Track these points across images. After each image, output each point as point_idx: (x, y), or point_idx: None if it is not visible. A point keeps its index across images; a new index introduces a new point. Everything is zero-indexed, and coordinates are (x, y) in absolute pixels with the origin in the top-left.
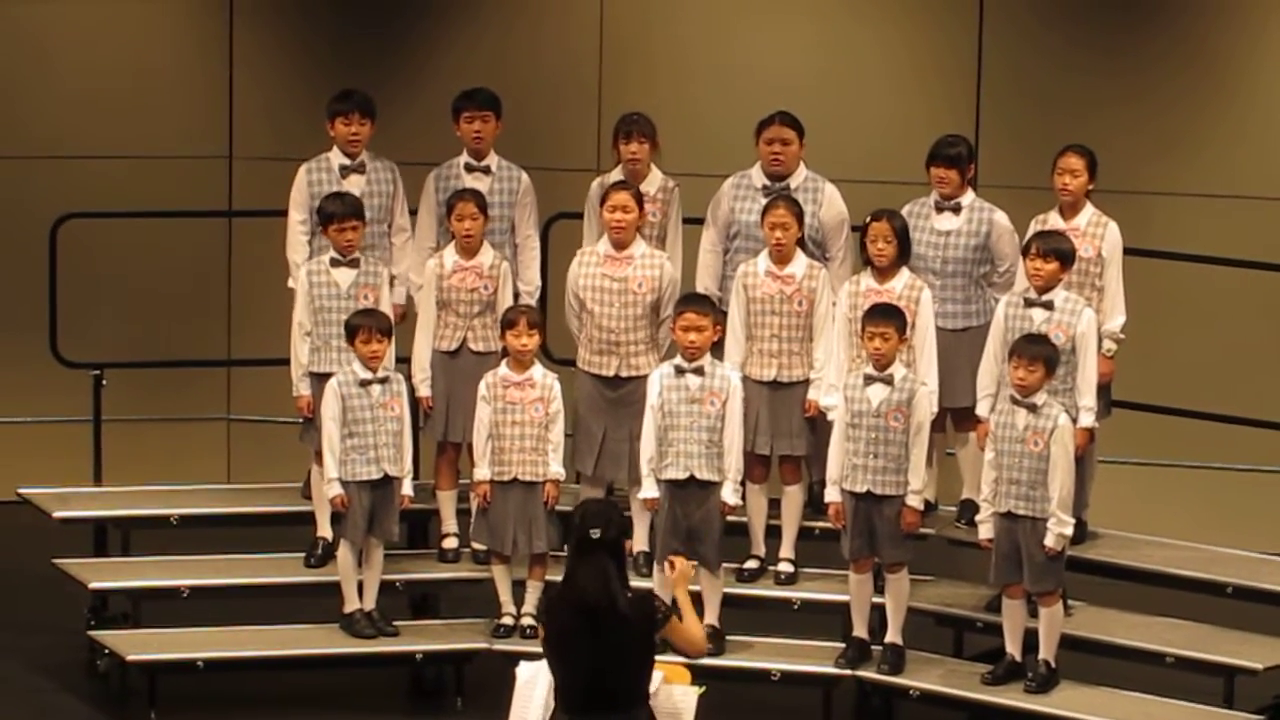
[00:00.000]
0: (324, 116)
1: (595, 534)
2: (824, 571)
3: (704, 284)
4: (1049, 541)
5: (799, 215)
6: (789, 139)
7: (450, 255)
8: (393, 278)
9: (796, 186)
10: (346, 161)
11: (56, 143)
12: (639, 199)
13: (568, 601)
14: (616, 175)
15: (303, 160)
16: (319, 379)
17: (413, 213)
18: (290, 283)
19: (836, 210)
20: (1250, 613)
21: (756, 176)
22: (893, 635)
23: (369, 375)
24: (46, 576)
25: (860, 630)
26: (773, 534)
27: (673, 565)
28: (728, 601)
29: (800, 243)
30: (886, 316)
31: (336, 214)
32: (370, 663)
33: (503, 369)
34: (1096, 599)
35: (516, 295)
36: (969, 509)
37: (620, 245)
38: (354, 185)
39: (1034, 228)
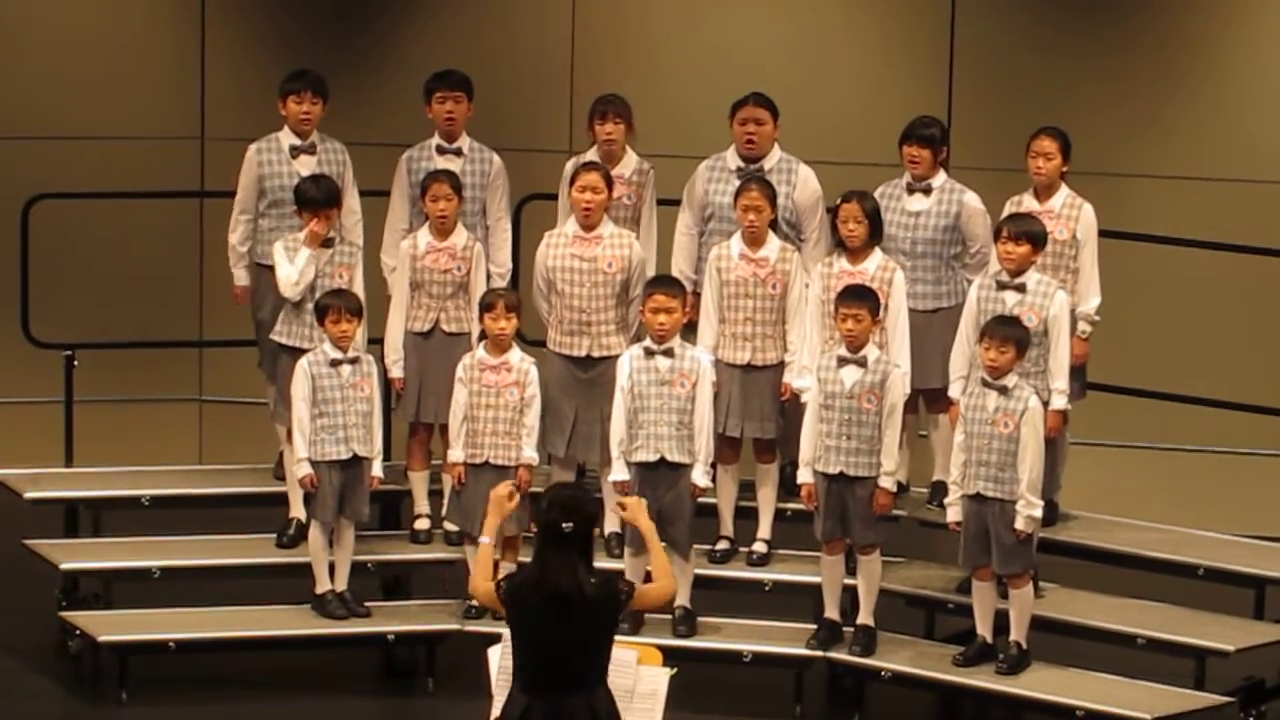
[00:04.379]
0: None
1: (567, 527)
2: (796, 553)
3: (679, 267)
4: (1018, 524)
5: (771, 197)
6: (763, 120)
7: (424, 236)
8: None
9: (771, 168)
10: (297, 141)
11: (28, 123)
12: (608, 179)
13: (538, 590)
14: (591, 156)
15: None
16: (289, 353)
17: (384, 194)
18: (231, 264)
19: (811, 191)
20: (1221, 594)
21: (731, 158)
22: (864, 617)
23: (339, 355)
24: (17, 557)
25: (832, 612)
26: (742, 515)
27: (624, 506)
28: (699, 583)
29: (774, 225)
30: (860, 298)
31: (316, 200)
32: (342, 643)
33: (480, 352)
34: (1068, 580)
35: (489, 277)
36: (941, 490)
37: (589, 226)
38: (305, 166)
39: (1008, 210)
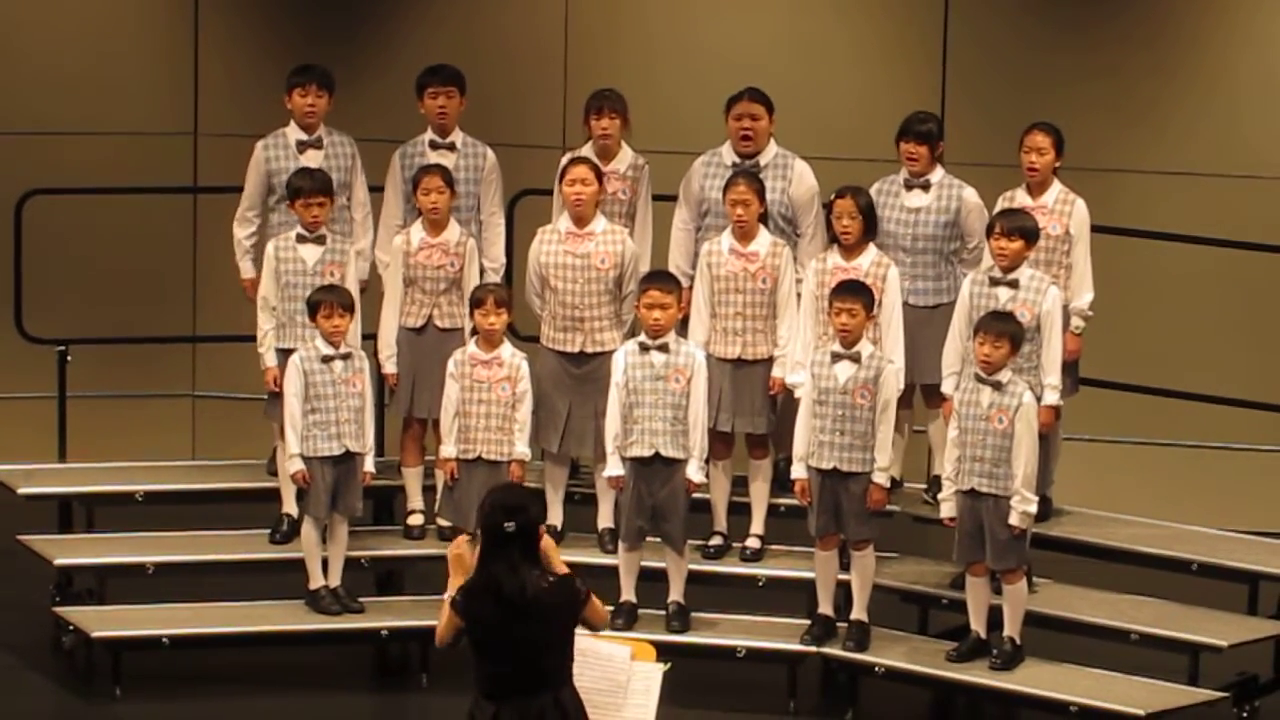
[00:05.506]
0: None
1: (509, 527)
2: (789, 548)
3: (676, 262)
4: (1013, 519)
5: (760, 191)
6: (758, 115)
7: (417, 232)
8: (357, 253)
9: (766, 163)
10: (303, 136)
11: (21, 119)
12: (598, 173)
13: (484, 594)
14: (587, 151)
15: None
16: (284, 355)
17: (378, 189)
18: (237, 257)
19: (807, 186)
20: (1215, 590)
21: (726, 154)
22: (858, 612)
23: (331, 351)
24: (11, 553)
25: (825, 607)
26: (735, 511)
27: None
28: (693, 579)
29: (764, 219)
30: (854, 292)
31: (304, 189)
32: (336, 639)
33: (471, 347)
34: (1061, 576)
35: (482, 272)
36: (940, 485)
37: (581, 221)
38: (311, 160)
39: (1001, 205)
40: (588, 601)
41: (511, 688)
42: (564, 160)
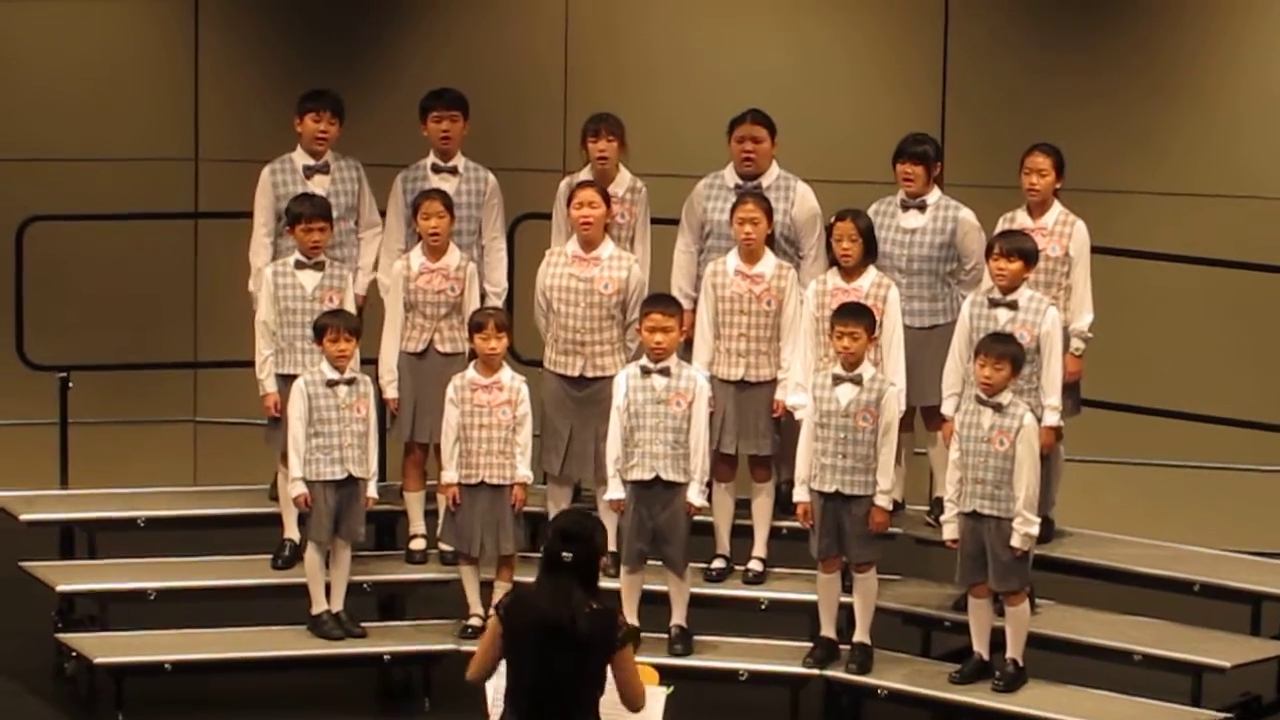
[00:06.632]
0: (290, 118)
1: (567, 557)
2: (792, 571)
3: (678, 285)
4: (1015, 541)
5: (768, 211)
6: (760, 137)
7: (417, 257)
8: (357, 269)
9: (769, 185)
10: (311, 162)
11: (22, 145)
12: (605, 196)
13: (528, 611)
14: (585, 175)
15: (268, 162)
16: (283, 380)
17: (380, 214)
18: (250, 286)
19: (809, 208)
20: (1217, 610)
21: (729, 176)
22: (860, 634)
23: (336, 376)
24: (13, 579)
25: (828, 630)
26: (738, 534)
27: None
28: (695, 602)
29: (770, 241)
30: (856, 316)
31: (304, 215)
32: (338, 664)
33: (471, 371)
34: (1064, 597)
35: (483, 297)
36: (941, 507)
37: (589, 244)
38: (318, 186)
39: (1002, 226)
40: (623, 645)
41: (532, 709)
42: (563, 185)
